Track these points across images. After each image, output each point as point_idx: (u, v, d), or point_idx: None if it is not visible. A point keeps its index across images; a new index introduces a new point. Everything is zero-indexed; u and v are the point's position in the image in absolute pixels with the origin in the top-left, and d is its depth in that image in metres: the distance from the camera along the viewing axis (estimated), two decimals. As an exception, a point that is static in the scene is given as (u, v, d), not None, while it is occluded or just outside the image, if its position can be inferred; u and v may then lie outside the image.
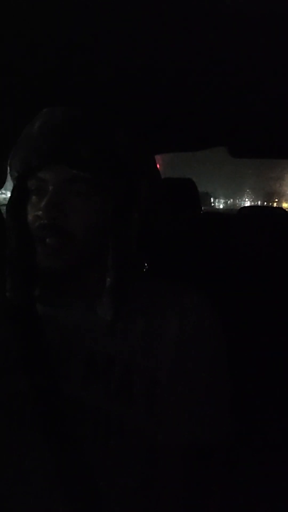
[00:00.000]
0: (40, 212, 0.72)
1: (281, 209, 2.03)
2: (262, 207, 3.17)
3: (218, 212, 2.71)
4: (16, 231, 0.77)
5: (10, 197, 0.79)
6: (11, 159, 0.78)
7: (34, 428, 0.72)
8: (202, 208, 2.38)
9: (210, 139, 2.01)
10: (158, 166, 0.97)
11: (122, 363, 0.73)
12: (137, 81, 1.12)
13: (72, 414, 0.72)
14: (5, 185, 1.45)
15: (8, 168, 0.81)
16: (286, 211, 2.04)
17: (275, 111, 1.44)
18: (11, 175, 0.80)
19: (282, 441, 1.40)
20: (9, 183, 0.95)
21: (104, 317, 0.74)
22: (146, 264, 0.89)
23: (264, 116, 1.53)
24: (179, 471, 0.75)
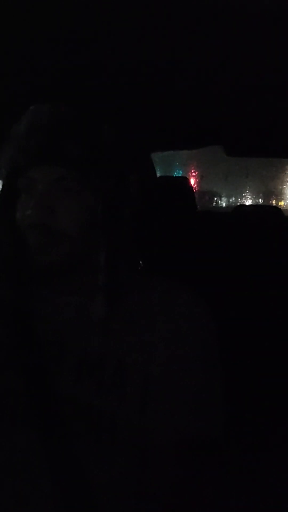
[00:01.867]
0: (29, 211, 0.72)
1: (276, 208, 2.04)
2: (256, 205, 3.17)
3: (212, 210, 2.72)
4: (5, 229, 0.77)
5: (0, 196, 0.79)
6: (0, 157, 0.78)
7: (26, 426, 0.72)
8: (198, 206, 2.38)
9: (205, 138, 2.01)
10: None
11: (115, 360, 0.73)
12: (133, 79, 1.12)
13: (65, 412, 0.72)
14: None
15: None
16: (280, 209, 2.05)
17: (271, 110, 1.45)
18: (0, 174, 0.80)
19: (279, 437, 1.41)
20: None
21: (97, 314, 0.74)
22: (141, 263, 0.89)
23: (259, 116, 1.54)
24: (172, 467, 0.75)
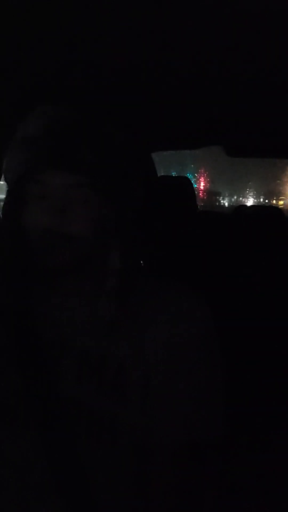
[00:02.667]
0: (42, 216, 0.71)
1: (276, 208, 2.04)
2: (257, 206, 3.18)
3: (213, 211, 2.72)
4: (12, 233, 0.76)
5: (7, 200, 0.78)
6: (7, 160, 0.76)
7: (27, 426, 0.72)
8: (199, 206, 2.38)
9: (206, 138, 2.01)
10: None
11: (116, 361, 0.73)
12: (134, 79, 1.12)
13: (66, 413, 0.72)
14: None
15: (3, 169, 0.79)
16: (281, 210, 2.05)
17: (271, 111, 1.45)
18: (6, 177, 0.78)
19: (280, 438, 1.41)
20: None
21: (103, 317, 0.74)
22: (141, 262, 0.89)
23: (259, 116, 1.53)
24: (172, 469, 0.75)
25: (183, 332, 0.75)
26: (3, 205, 0.78)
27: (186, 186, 2.14)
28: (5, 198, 0.78)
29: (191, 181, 2.17)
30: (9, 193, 0.77)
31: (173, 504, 0.75)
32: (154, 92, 1.22)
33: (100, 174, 0.72)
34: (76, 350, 0.75)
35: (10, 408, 0.74)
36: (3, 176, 0.82)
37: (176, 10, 0.78)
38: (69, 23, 0.83)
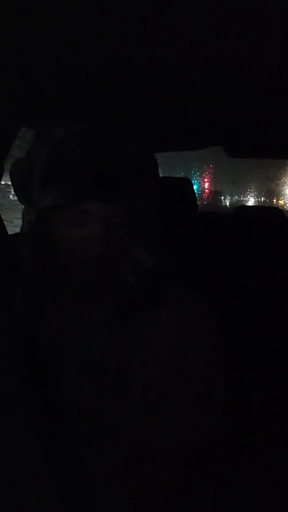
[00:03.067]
0: (86, 245, 0.69)
1: (277, 209, 2.04)
2: (258, 206, 3.17)
3: (214, 211, 2.71)
4: (40, 255, 0.74)
5: (36, 223, 0.73)
6: (38, 184, 0.70)
7: (29, 428, 0.72)
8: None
9: (206, 139, 2.01)
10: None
11: (117, 364, 0.73)
12: (134, 80, 1.12)
13: (67, 414, 0.72)
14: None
15: (19, 188, 0.74)
16: (282, 211, 2.05)
17: (272, 111, 1.44)
18: (30, 199, 0.72)
19: (281, 439, 1.41)
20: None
21: (109, 319, 0.74)
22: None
23: (260, 117, 1.53)
24: (173, 470, 0.75)
25: (184, 334, 0.75)
26: (25, 229, 0.75)
27: (187, 187, 2.14)
28: (29, 223, 0.74)
29: (191, 182, 2.17)
30: (39, 218, 0.72)
31: (174, 505, 0.75)
32: (154, 94, 1.22)
33: (143, 199, 0.71)
34: (77, 353, 0.75)
35: (11, 410, 0.74)
36: (16, 196, 0.77)
37: (177, 9, 0.78)
38: (69, 23, 0.83)
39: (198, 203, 2.23)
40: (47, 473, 0.71)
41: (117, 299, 0.75)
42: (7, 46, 0.91)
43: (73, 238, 0.70)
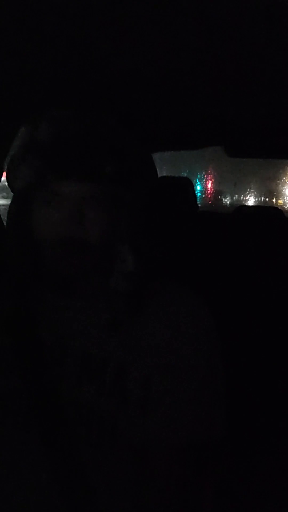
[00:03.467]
0: (58, 227, 0.69)
1: (276, 209, 2.04)
2: (257, 206, 3.18)
3: (214, 211, 2.72)
4: (20, 240, 0.75)
5: (13, 206, 0.76)
6: (14, 166, 0.73)
7: (28, 428, 0.72)
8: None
9: (206, 139, 2.01)
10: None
11: (117, 363, 0.73)
12: (135, 79, 1.12)
13: (67, 415, 0.72)
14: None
15: (6, 174, 0.77)
16: (281, 210, 2.05)
17: (272, 111, 1.45)
18: (11, 183, 0.76)
19: (281, 438, 1.41)
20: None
21: (107, 318, 0.74)
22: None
23: (260, 117, 1.54)
24: (172, 470, 0.75)
25: (183, 334, 0.75)
26: (9, 211, 0.76)
27: (187, 186, 2.14)
28: (11, 204, 0.76)
29: (191, 182, 2.17)
30: (16, 200, 0.75)
31: (173, 505, 0.75)
32: (154, 93, 1.22)
33: (119, 183, 0.71)
34: (77, 352, 0.75)
35: (12, 410, 0.74)
36: (5, 180, 0.79)
37: (177, 10, 0.78)
38: (70, 23, 0.83)
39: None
40: (47, 472, 0.71)
41: (108, 305, 0.75)
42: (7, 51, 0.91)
43: (47, 220, 0.70)
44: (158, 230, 1.85)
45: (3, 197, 9.36)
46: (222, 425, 0.78)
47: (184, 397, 0.74)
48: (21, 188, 0.73)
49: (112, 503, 0.71)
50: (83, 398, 0.73)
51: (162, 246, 1.80)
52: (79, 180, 0.69)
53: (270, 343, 1.64)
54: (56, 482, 0.70)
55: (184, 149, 2.38)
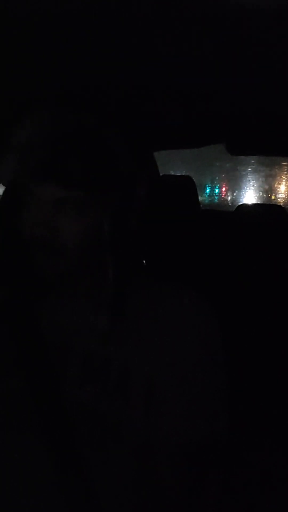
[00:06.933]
0: (30, 228, 0.70)
1: (279, 206, 2.03)
2: (259, 204, 3.17)
3: (216, 209, 2.72)
4: (8, 238, 0.76)
5: (0, 204, 0.77)
6: (2, 165, 0.75)
7: (31, 428, 0.72)
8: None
9: (208, 137, 2.00)
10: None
11: (119, 363, 0.73)
12: (135, 78, 1.12)
13: (70, 414, 0.72)
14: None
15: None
16: (284, 208, 2.04)
17: (274, 108, 1.44)
18: (1, 181, 0.78)
19: (282, 439, 1.41)
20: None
21: (103, 319, 0.74)
22: (144, 262, 0.89)
23: (262, 114, 1.53)
24: (175, 470, 0.75)
25: (186, 333, 0.75)
26: None
27: (188, 185, 2.13)
28: None
29: (193, 180, 2.16)
30: (2, 199, 0.76)
31: (175, 505, 0.75)
32: (155, 91, 1.22)
33: (90, 187, 0.70)
34: (79, 352, 0.75)
35: (14, 411, 0.74)
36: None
37: (175, 7, 0.78)
38: (68, 21, 0.83)
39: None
40: (50, 472, 0.71)
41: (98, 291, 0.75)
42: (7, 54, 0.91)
43: (25, 221, 0.71)
44: (159, 229, 1.85)
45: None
46: (225, 423, 0.78)
47: (187, 397, 0.74)
48: (6, 188, 0.75)
49: (114, 502, 0.71)
50: (85, 398, 0.73)
51: (163, 245, 1.80)
52: (51, 183, 0.68)
53: (274, 342, 1.64)
54: (58, 482, 0.70)
55: (186, 147, 2.38)
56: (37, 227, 0.70)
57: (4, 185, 0.76)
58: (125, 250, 0.76)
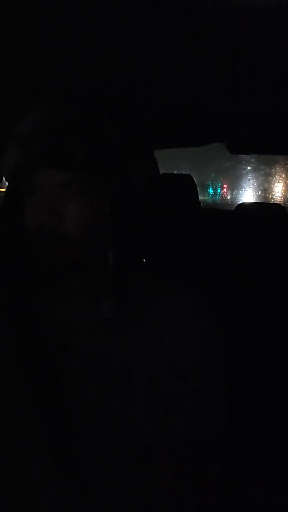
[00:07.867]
0: (36, 216, 0.71)
1: (279, 205, 2.03)
2: (259, 203, 3.18)
3: (216, 208, 2.71)
4: (12, 231, 0.77)
5: (4, 198, 0.78)
6: (3, 158, 0.76)
7: (31, 425, 0.72)
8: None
9: (208, 136, 2.01)
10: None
11: (120, 360, 0.73)
12: (136, 77, 1.12)
13: (70, 411, 0.73)
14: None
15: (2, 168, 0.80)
16: (284, 207, 2.05)
17: (273, 107, 1.44)
18: (4, 175, 0.79)
19: (282, 437, 1.41)
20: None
21: (104, 315, 0.74)
22: (144, 260, 0.89)
23: (262, 112, 1.53)
24: (175, 467, 0.75)
25: (186, 331, 0.75)
26: (3, 202, 0.79)
27: (188, 183, 2.14)
28: (3, 196, 0.79)
29: (193, 178, 2.16)
30: (6, 191, 0.78)
31: (175, 503, 0.75)
32: (156, 90, 1.22)
33: (92, 171, 0.72)
34: (79, 349, 0.75)
35: (15, 408, 0.74)
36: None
37: (175, 7, 0.78)
38: (69, 20, 0.83)
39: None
40: (50, 471, 0.71)
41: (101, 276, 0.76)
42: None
43: (30, 210, 0.73)
44: (159, 227, 1.85)
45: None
46: (225, 421, 0.78)
47: (187, 394, 0.74)
48: (9, 180, 0.77)
49: (114, 499, 0.72)
50: (86, 395, 0.73)
51: (163, 244, 1.80)
52: (54, 169, 0.71)
53: (273, 341, 1.65)
54: (59, 479, 0.71)
55: (186, 146, 2.38)
56: (42, 215, 0.71)
57: (8, 177, 0.77)
58: (125, 237, 0.77)
